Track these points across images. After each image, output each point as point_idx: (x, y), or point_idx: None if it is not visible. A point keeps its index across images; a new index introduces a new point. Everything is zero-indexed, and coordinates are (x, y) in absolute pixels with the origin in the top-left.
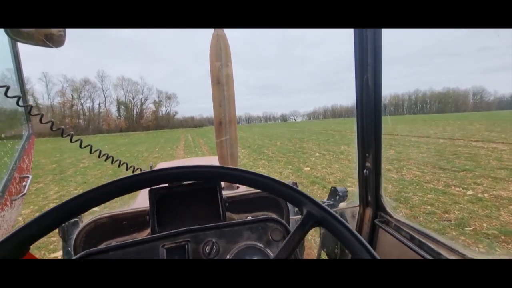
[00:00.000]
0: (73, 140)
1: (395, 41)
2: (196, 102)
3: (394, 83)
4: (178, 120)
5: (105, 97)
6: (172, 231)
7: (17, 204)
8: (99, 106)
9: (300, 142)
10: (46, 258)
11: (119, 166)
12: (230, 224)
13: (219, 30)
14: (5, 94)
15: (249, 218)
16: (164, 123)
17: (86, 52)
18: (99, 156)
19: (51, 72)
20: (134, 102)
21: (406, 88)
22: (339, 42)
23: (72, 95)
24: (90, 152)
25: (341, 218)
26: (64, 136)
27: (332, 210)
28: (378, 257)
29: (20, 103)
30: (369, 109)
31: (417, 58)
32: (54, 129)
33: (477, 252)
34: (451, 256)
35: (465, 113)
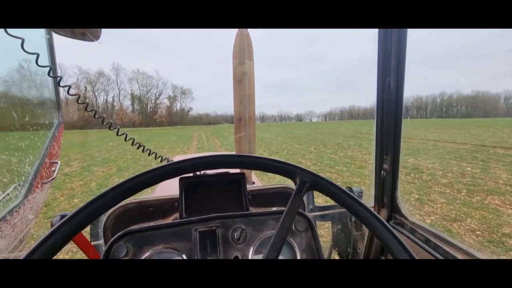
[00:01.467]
0: (111, 128)
1: (415, 42)
2: (211, 99)
3: (413, 85)
4: (192, 117)
5: (119, 90)
6: (204, 216)
7: (47, 187)
8: (113, 100)
9: (340, 148)
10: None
11: (149, 155)
12: (257, 214)
13: (243, 29)
14: (48, 74)
15: (274, 209)
16: (177, 119)
17: (104, 46)
18: (132, 144)
19: (66, 63)
20: (148, 97)
21: (426, 91)
22: (358, 41)
23: (85, 87)
24: (125, 140)
25: (330, 180)
26: (104, 124)
27: (320, 175)
28: (366, 205)
29: (71, 92)
30: (390, 110)
31: (439, 60)
32: (96, 117)
33: (491, 254)
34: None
35: (498, 118)
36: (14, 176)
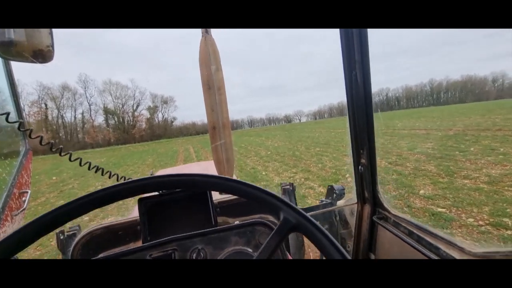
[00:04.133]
0: (62, 154)
1: (395, 34)
2: (198, 107)
3: (400, 75)
4: (177, 127)
5: (89, 105)
6: (158, 240)
7: (18, 219)
8: (83, 116)
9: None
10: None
11: (109, 177)
12: (216, 230)
13: (207, 35)
14: (6, 120)
15: (236, 222)
16: (160, 131)
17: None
18: (89, 168)
19: (24, 79)
20: (124, 110)
21: (415, 80)
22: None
23: (45, 104)
24: (80, 165)
25: (317, 223)
26: (62, 155)
27: (308, 215)
28: (349, 258)
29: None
30: (360, 105)
31: (421, 49)
32: (53, 150)
33: (476, 246)
34: (449, 250)
35: (497, 100)
36: None
